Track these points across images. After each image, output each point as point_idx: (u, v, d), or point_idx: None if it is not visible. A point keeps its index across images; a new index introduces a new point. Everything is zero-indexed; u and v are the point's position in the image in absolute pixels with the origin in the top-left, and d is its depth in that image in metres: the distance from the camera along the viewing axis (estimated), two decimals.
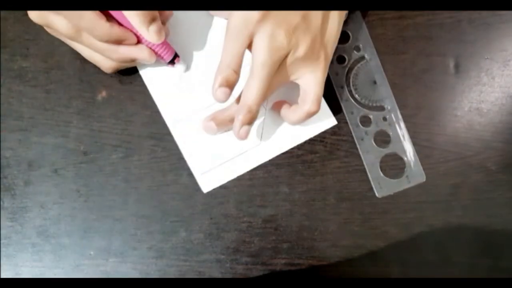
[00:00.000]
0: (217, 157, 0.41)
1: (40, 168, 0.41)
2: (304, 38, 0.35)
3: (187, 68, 0.41)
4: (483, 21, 0.43)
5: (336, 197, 0.42)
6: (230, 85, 0.35)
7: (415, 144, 0.42)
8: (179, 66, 0.40)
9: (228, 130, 0.41)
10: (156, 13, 0.35)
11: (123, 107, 0.41)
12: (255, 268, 0.41)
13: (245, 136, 0.37)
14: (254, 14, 0.34)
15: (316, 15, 0.36)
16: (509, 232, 0.42)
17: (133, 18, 0.34)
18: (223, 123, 0.39)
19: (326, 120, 0.42)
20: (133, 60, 0.38)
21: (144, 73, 0.41)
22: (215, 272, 0.41)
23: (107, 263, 0.40)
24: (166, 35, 0.38)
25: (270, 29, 0.34)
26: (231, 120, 0.38)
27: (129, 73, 0.41)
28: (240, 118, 0.36)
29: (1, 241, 0.40)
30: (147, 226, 0.41)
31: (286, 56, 0.36)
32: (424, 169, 0.42)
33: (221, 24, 0.41)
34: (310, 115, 0.38)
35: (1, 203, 0.41)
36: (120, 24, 0.36)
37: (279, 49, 0.35)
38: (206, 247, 0.41)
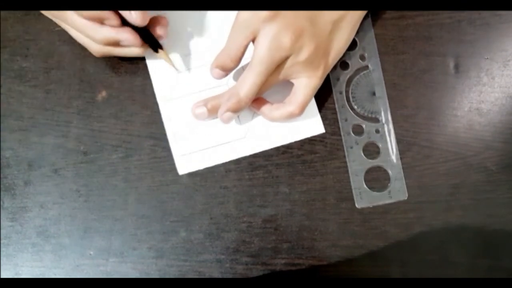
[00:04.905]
0: (200, 142, 0.41)
1: (40, 168, 0.41)
2: (309, 43, 0.36)
3: (185, 65, 0.41)
4: (483, 21, 0.43)
5: (336, 197, 0.42)
6: (226, 70, 0.38)
7: (415, 144, 0.42)
8: (163, 55, 0.39)
9: (217, 117, 0.41)
10: None
11: (123, 107, 0.41)
12: (255, 268, 0.41)
13: (227, 121, 0.39)
14: (263, 12, 0.35)
15: (325, 24, 0.36)
16: (509, 232, 0.42)
17: None
18: (215, 109, 0.39)
19: (315, 127, 0.42)
20: (117, 43, 0.37)
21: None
22: (215, 272, 0.41)
23: (107, 263, 0.40)
24: (163, 37, 0.38)
25: (276, 29, 0.35)
26: None
27: (129, 73, 0.41)
28: (228, 104, 0.38)
29: (1, 241, 0.40)
30: (147, 226, 0.41)
31: (287, 58, 0.36)
32: (424, 169, 0.42)
33: (220, 14, 0.41)
34: (291, 116, 0.39)
35: (1, 203, 0.41)
36: None
37: (280, 50, 0.35)
38: (206, 247, 0.41)
